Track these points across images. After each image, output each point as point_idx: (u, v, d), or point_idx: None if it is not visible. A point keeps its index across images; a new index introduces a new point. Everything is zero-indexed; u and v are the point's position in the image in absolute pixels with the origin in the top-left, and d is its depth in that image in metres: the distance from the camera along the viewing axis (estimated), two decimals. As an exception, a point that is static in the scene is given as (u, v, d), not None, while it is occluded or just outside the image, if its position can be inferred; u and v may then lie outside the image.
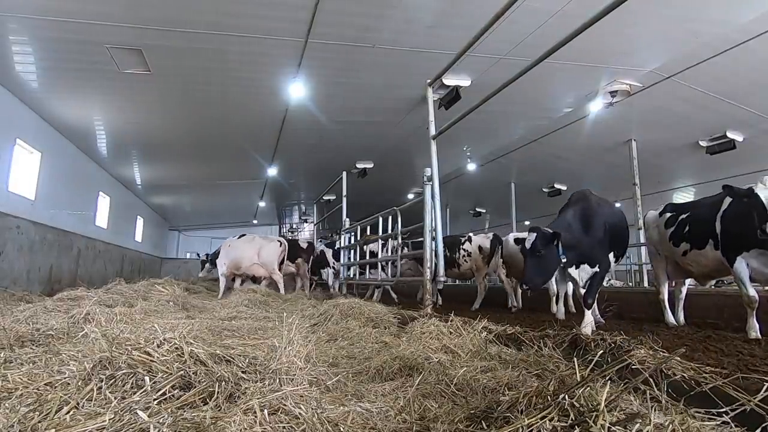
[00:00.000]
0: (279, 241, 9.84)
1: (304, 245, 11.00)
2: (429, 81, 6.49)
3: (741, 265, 3.87)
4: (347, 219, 9.62)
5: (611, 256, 4.62)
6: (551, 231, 4.14)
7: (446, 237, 8.38)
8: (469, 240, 8.38)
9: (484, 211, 20.44)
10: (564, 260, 4.20)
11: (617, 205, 17.56)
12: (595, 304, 5.21)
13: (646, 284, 10.54)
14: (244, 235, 10.12)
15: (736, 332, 4.15)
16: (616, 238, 4.63)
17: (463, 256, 8.29)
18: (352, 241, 9.14)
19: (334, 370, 2.32)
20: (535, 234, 4.20)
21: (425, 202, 5.59)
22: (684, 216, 4.80)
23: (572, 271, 4.43)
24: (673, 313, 5.11)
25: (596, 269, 4.44)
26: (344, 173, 10.10)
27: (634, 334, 3.32)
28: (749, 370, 2.47)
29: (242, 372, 1.75)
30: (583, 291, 4.45)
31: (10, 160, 8.40)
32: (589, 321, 4.36)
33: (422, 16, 6.24)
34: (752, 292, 3.85)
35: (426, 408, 1.78)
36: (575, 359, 1.59)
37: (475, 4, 5.75)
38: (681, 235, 4.75)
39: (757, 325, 3.84)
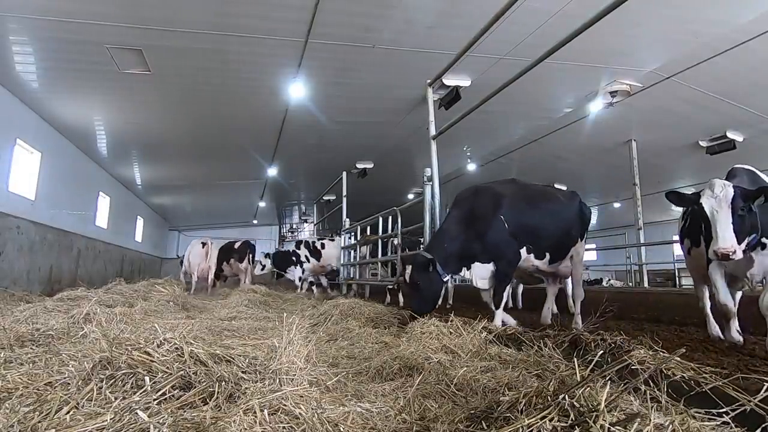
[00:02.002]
0: (203, 242, 10.71)
1: (237, 245, 11.76)
2: (429, 81, 6.49)
3: (713, 268, 3.30)
4: (347, 219, 9.63)
5: (524, 251, 4.35)
6: (426, 258, 4.05)
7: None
8: None
9: (484, 211, 20.39)
10: (446, 278, 4.15)
11: (616, 205, 17.57)
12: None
13: (646, 284, 10.53)
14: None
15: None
16: (539, 231, 4.37)
17: None
18: (353, 241, 9.14)
19: (334, 370, 2.32)
20: (410, 266, 4.13)
21: (425, 202, 5.60)
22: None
23: (464, 271, 4.31)
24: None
25: (491, 265, 4.25)
26: (344, 173, 10.11)
27: (634, 334, 3.33)
28: (749, 370, 2.47)
29: (242, 372, 1.75)
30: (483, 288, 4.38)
31: (10, 160, 8.40)
32: (498, 322, 4.13)
33: (422, 17, 6.25)
34: (724, 300, 3.21)
35: (426, 408, 1.78)
36: (575, 359, 1.59)
37: (475, 4, 5.75)
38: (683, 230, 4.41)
39: (739, 336, 3.25)
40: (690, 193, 3.24)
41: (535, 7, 5.42)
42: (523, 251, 4.35)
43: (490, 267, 4.29)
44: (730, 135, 9.78)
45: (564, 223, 4.60)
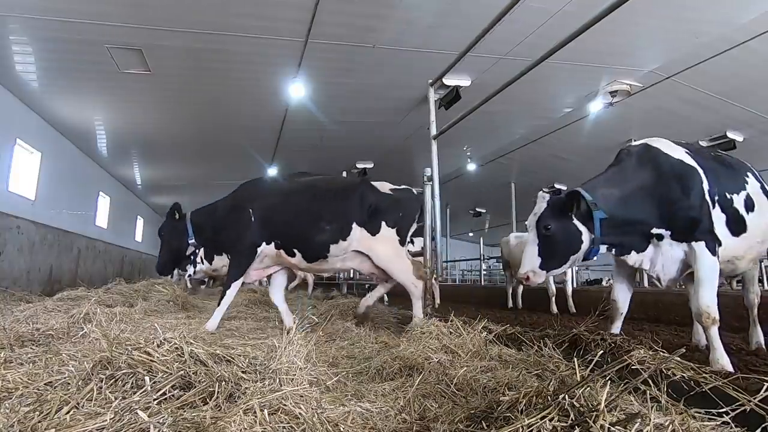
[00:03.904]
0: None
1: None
2: (431, 81, 6.47)
3: (615, 264, 3.01)
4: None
5: (271, 246, 4.02)
6: (174, 206, 3.98)
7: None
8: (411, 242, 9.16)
9: (484, 211, 20.46)
10: (191, 241, 4.06)
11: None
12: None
13: (645, 284, 10.53)
14: None
15: (736, 332, 4.15)
16: (285, 226, 3.97)
17: None
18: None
19: (334, 370, 2.32)
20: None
21: (425, 202, 5.59)
22: None
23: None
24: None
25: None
26: (344, 173, 10.11)
27: (634, 334, 3.32)
28: (749, 370, 2.47)
29: (242, 372, 1.75)
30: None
31: (10, 160, 8.40)
32: (215, 323, 3.75)
33: (422, 16, 6.25)
34: (614, 296, 2.99)
35: (426, 408, 1.78)
36: (575, 359, 1.59)
37: (475, 4, 5.75)
38: None
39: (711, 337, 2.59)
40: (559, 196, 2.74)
41: (535, 6, 5.42)
42: (271, 247, 3.99)
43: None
44: (730, 135, 9.79)
45: (314, 217, 4.00)
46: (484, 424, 1.41)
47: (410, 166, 13.29)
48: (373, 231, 4.02)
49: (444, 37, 6.59)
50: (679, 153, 2.80)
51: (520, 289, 7.84)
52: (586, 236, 2.61)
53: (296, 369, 1.86)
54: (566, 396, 1.23)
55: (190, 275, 11.37)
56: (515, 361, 2.33)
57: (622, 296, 2.95)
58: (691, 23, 6.25)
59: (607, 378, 1.34)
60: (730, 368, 2.34)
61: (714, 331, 2.49)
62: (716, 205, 2.64)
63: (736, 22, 6.24)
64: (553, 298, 6.81)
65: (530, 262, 2.65)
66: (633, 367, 1.78)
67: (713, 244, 2.56)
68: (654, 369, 1.67)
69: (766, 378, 1.40)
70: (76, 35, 6.27)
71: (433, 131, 5.99)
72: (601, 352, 2.02)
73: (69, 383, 1.66)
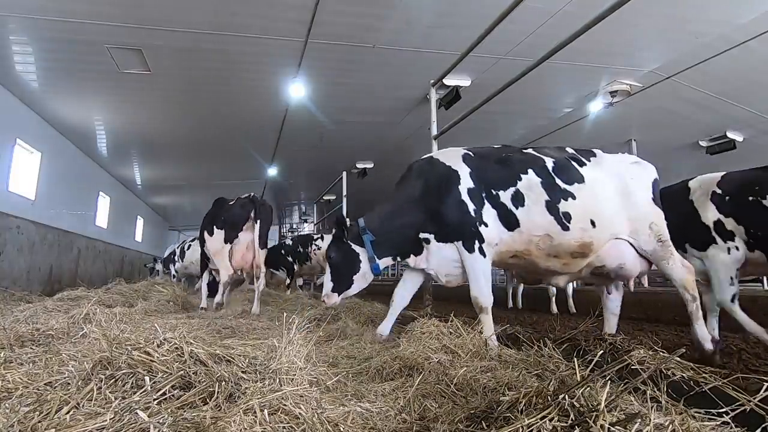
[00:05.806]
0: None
1: None
2: (433, 81, 6.48)
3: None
4: (347, 219, 9.66)
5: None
6: None
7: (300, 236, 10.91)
8: (321, 237, 9.98)
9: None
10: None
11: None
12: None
13: (646, 284, 10.53)
14: None
15: (736, 332, 4.15)
16: None
17: (314, 250, 9.83)
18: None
19: (334, 370, 2.32)
20: None
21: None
22: None
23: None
24: None
25: None
26: (344, 173, 10.10)
27: (634, 334, 3.32)
28: (749, 370, 2.47)
29: (242, 372, 1.75)
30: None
31: (10, 160, 8.40)
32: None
33: (422, 16, 6.24)
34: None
35: (426, 408, 1.78)
36: (575, 359, 1.59)
37: (475, 4, 5.75)
38: None
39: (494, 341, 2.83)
40: None
41: (535, 6, 5.41)
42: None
43: None
44: (730, 135, 9.78)
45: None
46: (484, 424, 1.41)
47: (410, 166, 13.28)
48: (210, 233, 5.67)
49: (444, 37, 6.59)
50: (453, 159, 2.99)
51: (521, 288, 7.84)
52: (364, 257, 3.03)
53: (296, 369, 1.86)
54: (566, 396, 1.23)
55: (176, 274, 11.53)
56: (515, 361, 2.33)
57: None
58: (691, 23, 6.25)
59: (607, 378, 1.34)
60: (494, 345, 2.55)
61: (483, 317, 2.80)
62: (485, 202, 2.85)
63: (736, 22, 6.23)
64: (554, 299, 6.82)
65: (326, 287, 3.13)
66: (633, 367, 1.78)
67: (472, 242, 2.80)
68: (654, 369, 1.67)
69: (766, 378, 1.41)
70: (76, 35, 6.27)
71: (434, 131, 5.99)
72: (601, 352, 2.02)
73: (69, 383, 1.66)
